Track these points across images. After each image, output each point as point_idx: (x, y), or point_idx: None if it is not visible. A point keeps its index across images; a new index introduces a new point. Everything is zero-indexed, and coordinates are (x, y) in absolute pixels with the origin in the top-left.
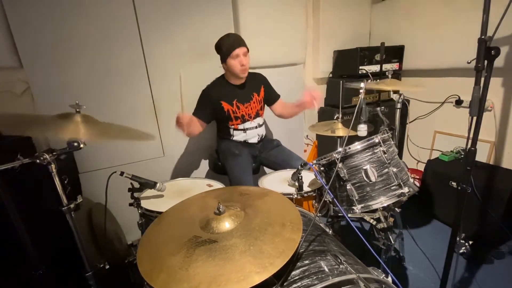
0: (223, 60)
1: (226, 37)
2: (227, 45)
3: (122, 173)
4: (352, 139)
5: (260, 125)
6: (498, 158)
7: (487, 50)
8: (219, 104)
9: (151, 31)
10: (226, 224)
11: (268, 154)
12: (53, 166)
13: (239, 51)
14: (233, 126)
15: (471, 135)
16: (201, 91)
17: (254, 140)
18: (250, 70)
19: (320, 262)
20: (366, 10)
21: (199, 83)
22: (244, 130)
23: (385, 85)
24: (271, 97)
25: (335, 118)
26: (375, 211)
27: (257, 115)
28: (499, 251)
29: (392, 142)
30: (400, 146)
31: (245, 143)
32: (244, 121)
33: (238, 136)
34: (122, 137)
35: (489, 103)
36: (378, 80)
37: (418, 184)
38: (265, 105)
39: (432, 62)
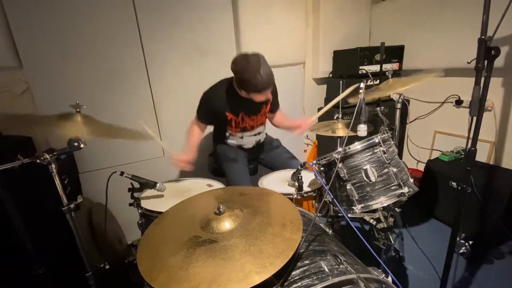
0: (242, 88)
1: (257, 72)
2: (255, 84)
3: (122, 173)
4: (352, 139)
5: (259, 133)
6: (498, 158)
7: (487, 50)
8: (223, 114)
9: (151, 31)
10: (226, 224)
11: (268, 155)
12: (53, 166)
13: (267, 92)
14: (230, 131)
15: (471, 135)
16: (202, 93)
17: (249, 145)
18: None
19: (320, 262)
20: (366, 10)
21: (199, 83)
22: (242, 137)
23: (386, 90)
24: (272, 107)
25: (335, 118)
26: (375, 211)
27: (260, 124)
28: (499, 251)
29: (392, 142)
30: (400, 146)
31: (240, 147)
32: (244, 130)
33: (233, 140)
34: (121, 136)
35: (489, 103)
36: (378, 81)
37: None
38: None
39: (432, 62)
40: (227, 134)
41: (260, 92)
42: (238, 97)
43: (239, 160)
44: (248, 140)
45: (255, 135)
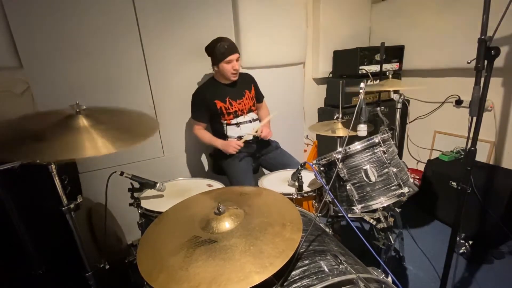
0: (215, 63)
1: (219, 41)
2: (222, 50)
3: (122, 173)
4: (352, 139)
5: (254, 120)
6: (498, 158)
7: (487, 50)
8: (213, 103)
9: (151, 31)
10: (226, 224)
11: (268, 156)
12: (53, 166)
13: (233, 57)
14: (225, 122)
15: (471, 135)
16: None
17: (250, 136)
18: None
19: (320, 262)
20: (366, 10)
21: (199, 83)
22: (238, 124)
23: (385, 86)
24: (257, 98)
25: (335, 118)
26: (375, 211)
27: (250, 110)
28: (499, 251)
29: (392, 142)
30: (400, 146)
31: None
32: (236, 116)
33: (232, 131)
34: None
35: (489, 103)
36: (378, 81)
37: (418, 184)
38: None
39: (432, 62)
40: (224, 125)
41: (226, 57)
42: (220, 84)
43: (242, 157)
44: (245, 127)
45: (251, 121)
